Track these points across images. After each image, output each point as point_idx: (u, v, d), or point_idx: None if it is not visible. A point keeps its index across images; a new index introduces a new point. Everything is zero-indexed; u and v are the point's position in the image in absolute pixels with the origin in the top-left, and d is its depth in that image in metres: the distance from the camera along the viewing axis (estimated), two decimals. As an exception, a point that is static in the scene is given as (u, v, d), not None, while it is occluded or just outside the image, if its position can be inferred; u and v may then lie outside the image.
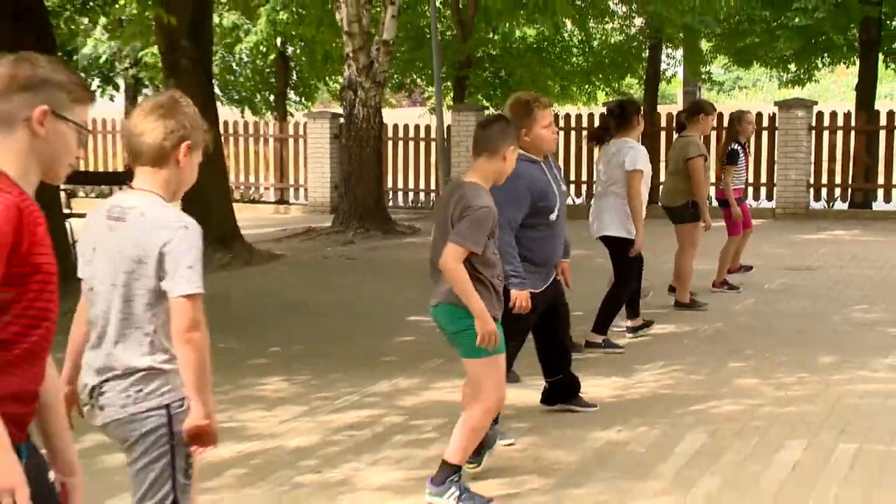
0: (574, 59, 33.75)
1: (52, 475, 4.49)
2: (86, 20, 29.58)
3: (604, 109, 27.73)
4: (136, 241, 4.95)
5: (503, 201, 7.98)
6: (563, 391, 9.67)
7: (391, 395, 10.45)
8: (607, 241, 12.70)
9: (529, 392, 9.58)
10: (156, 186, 5.09)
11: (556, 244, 9.05)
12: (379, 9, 24.32)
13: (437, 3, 27.34)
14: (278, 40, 31.90)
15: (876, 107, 29.33)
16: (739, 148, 16.36)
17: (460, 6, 30.12)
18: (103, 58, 31.43)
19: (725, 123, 24.96)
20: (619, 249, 12.58)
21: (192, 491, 5.24)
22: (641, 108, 14.07)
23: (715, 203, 16.61)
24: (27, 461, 4.14)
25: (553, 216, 8.80)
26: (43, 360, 4.13)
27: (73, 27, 29.06)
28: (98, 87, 35.15)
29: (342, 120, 25.86)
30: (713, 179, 17.26)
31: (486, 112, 29.51)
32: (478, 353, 7.22)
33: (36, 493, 4.14)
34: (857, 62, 30.83)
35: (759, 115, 27.52)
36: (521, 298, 8.26)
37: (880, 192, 27.26)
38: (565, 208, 9.07)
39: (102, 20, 29.42)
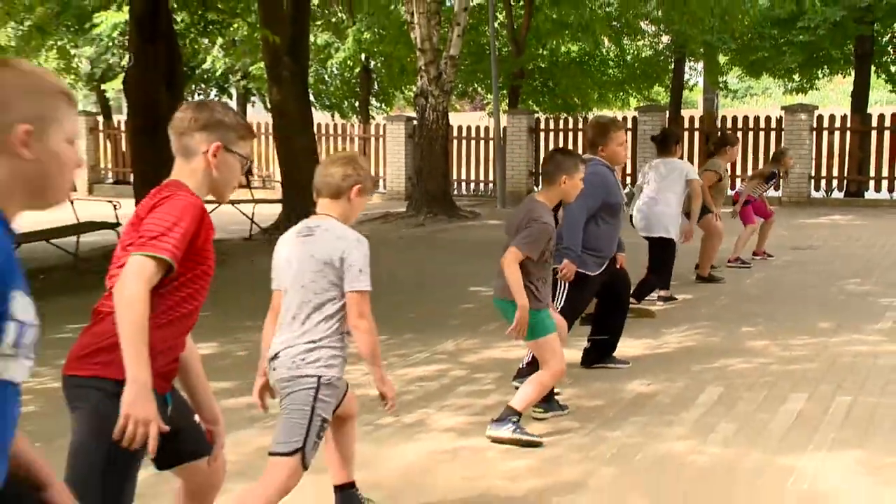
0: (610, 70, 33.66)
1: (196, 417, 4.84)
2: (206, 41, 29.80)
3: (636, 114, 27.73)
4: (323, 249, 5.53)
5: (584, 192, 8.14)
6: (601, 351, 9.72)
7: (456, 353, 10.49)
8: (654, 240, 12.85)
9: (571, 352, 9.55)
10: (333, 213, 5.64)
11: (614, 239, 9.16)
12: (447, 29, 24.30)
13: (496, 24, 27.25)
14: (362, 56, 31.94)
15: (868, 111, 29.09)
16: (777, 173, 16.95)
17: (514, 27, 30.02)
18: (219, 71, 31.54)
19: (740, 125, 25.09)
20: (661, 248, 12.84)
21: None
22: (679, 139, 14.16)
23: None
24: (172, 406, 4.56)
25: (618, 214, 8.96)
26: (187, 331, 4.58)
27: (196, 46, 29.33)
28: (215, 96, 35.52)
29: (415, 122, 25.89)
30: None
31: (535, 115, 29.61)
32: (532, 336, 7.49)
33: (183, 427, 4.62)
34: (853, 73, 30.62)
35: (769, 118, 27.41)
36: (568, 267, 8.44)
37: (871, 183, 27.08)
38: (623, 212, 9.20)
39: (219, 40, 29.62)
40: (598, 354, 9.74)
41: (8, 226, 2.79)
